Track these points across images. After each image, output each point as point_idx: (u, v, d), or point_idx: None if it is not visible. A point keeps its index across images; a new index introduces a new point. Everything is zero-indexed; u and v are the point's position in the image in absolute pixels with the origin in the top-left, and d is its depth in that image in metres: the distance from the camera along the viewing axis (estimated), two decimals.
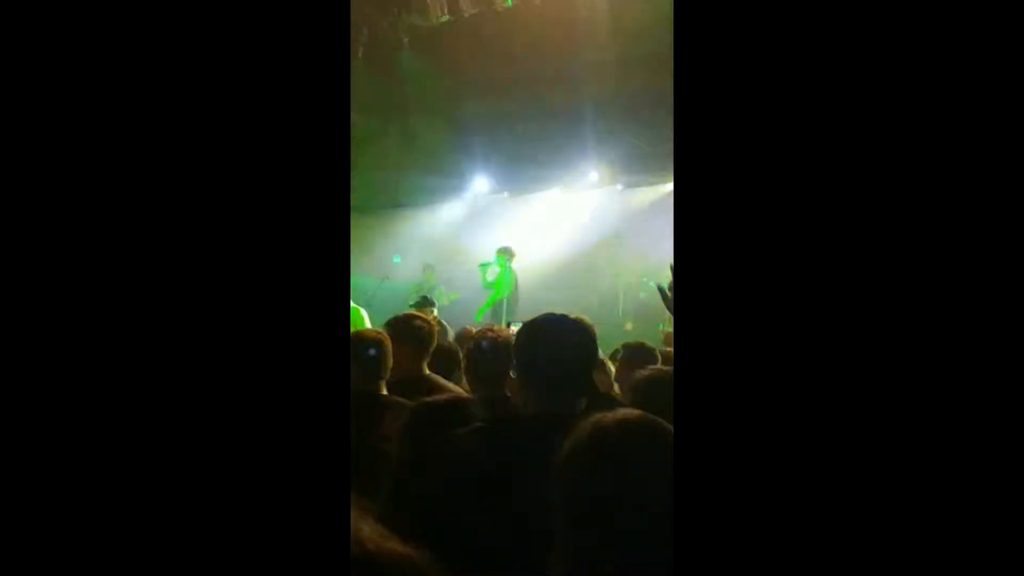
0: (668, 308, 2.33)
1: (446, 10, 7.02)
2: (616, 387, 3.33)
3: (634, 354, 3.41)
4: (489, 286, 8.45)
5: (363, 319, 6.85)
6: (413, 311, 4.10)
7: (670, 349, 3.55)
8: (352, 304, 7.36)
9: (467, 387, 3.04)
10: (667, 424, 1.47)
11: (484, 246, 10.37)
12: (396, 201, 10.95)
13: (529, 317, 2.24)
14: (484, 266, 8.52)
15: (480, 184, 10.98)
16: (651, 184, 10.22)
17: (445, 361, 3.33)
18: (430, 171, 10.52)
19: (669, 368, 2.65)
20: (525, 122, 9.40)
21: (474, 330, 3.74)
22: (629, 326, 9.48)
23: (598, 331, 2.26)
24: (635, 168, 9.80)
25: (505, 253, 8.48)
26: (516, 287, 8.46)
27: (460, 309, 8.41)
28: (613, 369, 3.50)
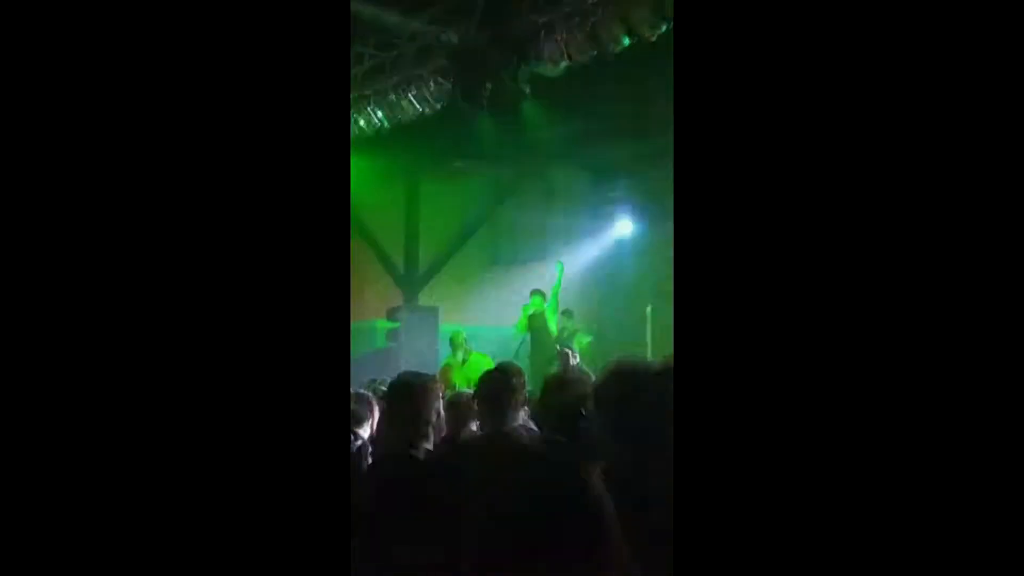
0: None
1: (565, 56, 7.05)
2: None
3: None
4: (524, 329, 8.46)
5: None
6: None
7: None
8: (479, 352, 7.49)
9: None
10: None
11: (629, 288, 10.22)
12: (542, 249, 11.00)
13: None
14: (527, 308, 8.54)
15: (623, 226, 10.85)
16: None
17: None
18: (572, 216, 10.54)
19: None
20: (656, 163, 9.23)
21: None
22: None
23: None
24: None
25: (540, 294, 8.53)
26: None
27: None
28: None
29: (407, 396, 2.74)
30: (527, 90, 7.35)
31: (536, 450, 1.63)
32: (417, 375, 2.97)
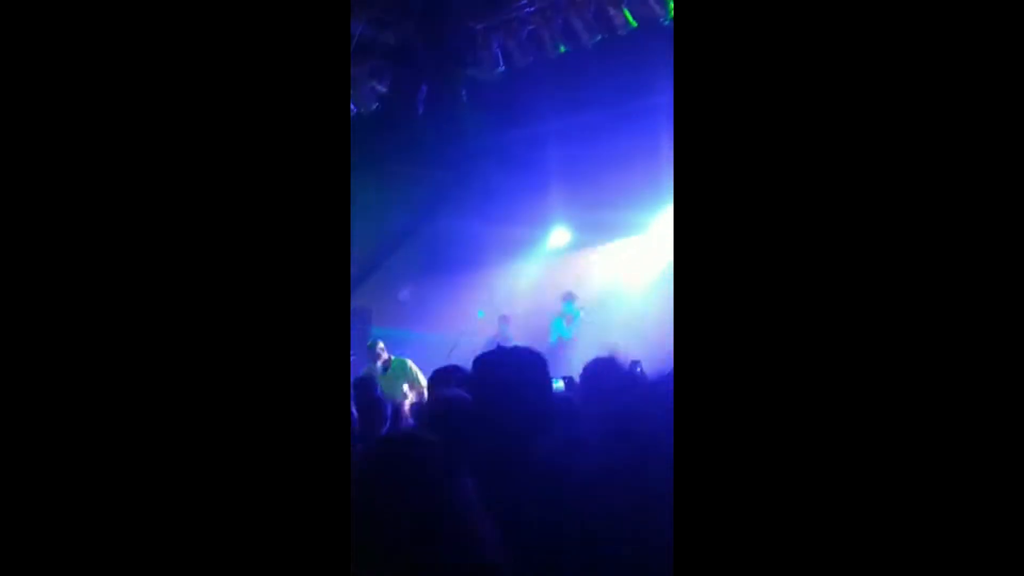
0: None
1: (501, 61, 7.04)
2: None
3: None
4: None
5: (411, 372, 6.85)
6: None
7: None
8: (399, 357, 7.40)
9: None
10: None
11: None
12: (477, 255, 10.95)
13: None
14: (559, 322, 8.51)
15: (560, 235, 10.85)
16: None
17: None
18: (509, 223, 10.50)
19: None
20: (602, 168, 9.26)
21: None
22: None
23: None
24: None
25: (572, 299, 8.40)
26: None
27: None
28: None
29: None
30: (464, 94, 7.32)
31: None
32: None
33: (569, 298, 8.48)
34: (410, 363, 7.13)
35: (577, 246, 10.86)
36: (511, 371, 2.11)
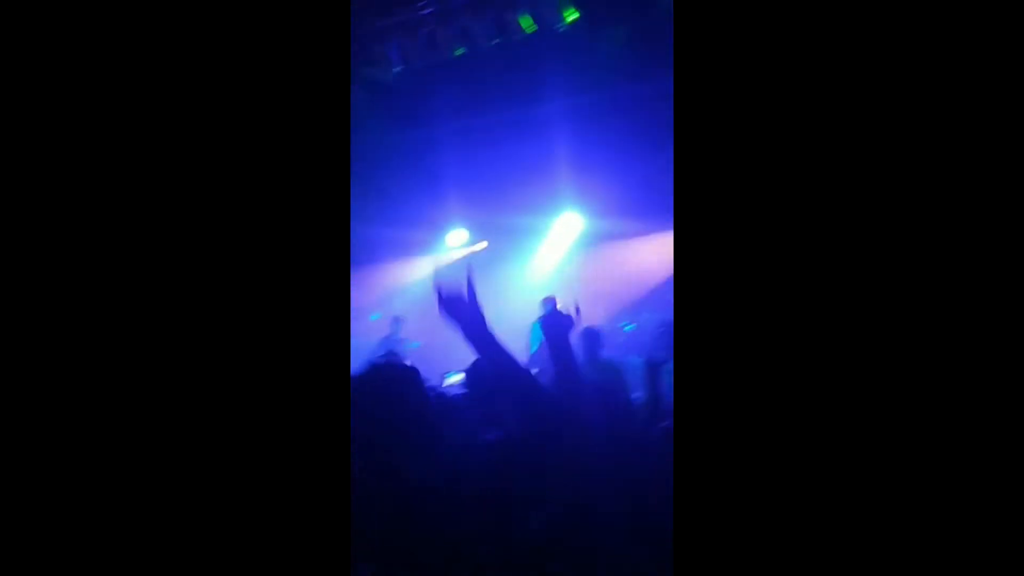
0: None
1: (398, 61, 6.94)
2: None
3: None
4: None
5: None
6: None
7: None
8: None
9: None
10: None
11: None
12: (371, 257, 10.79)
13: None
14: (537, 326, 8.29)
15: (456, 236, 10.81)
16: (645, 233, 9.82)
17: None
18: (403, 224, 10.39)
19: None
20: (497, 171, 9.25)
21: None
22: None
23: None
24: (624, 213, 9.47)
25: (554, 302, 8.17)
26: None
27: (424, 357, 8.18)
28: None
29: None
30: (359, 93, 7.18)
31: None
32: None
33: (550, 302, 8.13)
34: None
35: (475, 249, 10.86)
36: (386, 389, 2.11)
